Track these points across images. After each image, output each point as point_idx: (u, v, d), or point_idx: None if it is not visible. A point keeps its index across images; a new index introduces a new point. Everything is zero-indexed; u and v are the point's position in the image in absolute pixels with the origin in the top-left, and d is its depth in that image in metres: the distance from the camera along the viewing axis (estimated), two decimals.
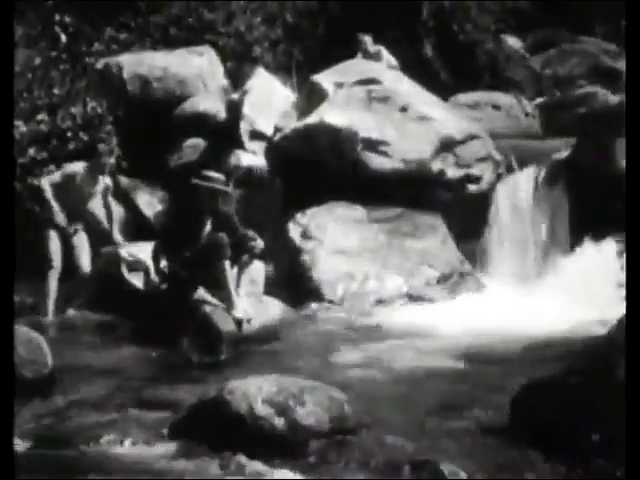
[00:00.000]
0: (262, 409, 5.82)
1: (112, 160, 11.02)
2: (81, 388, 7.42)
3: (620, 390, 5.17)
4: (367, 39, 14.41)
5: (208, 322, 8.98)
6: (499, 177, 12.34)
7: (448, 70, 16.70)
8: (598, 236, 10.90)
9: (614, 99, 13.83)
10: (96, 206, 11.27)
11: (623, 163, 10.64)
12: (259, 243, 9.58)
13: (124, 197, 12.85)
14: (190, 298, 9.19)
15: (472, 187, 12.16)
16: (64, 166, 10.97)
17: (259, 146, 13.12)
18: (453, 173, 12.07)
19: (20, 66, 12.65)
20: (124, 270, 10.17)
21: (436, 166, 12.00)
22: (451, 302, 10.72)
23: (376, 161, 11.83)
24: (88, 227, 10.73)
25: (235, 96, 13.76)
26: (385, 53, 14.43)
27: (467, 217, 12.00)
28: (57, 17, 14.63)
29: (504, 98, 15.15)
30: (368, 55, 14.30)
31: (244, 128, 13.29)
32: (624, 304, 5.76)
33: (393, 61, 14.32)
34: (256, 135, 13.30)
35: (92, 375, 7.84)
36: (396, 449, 5.73)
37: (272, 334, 9.33)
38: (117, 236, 10.84)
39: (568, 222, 11.71)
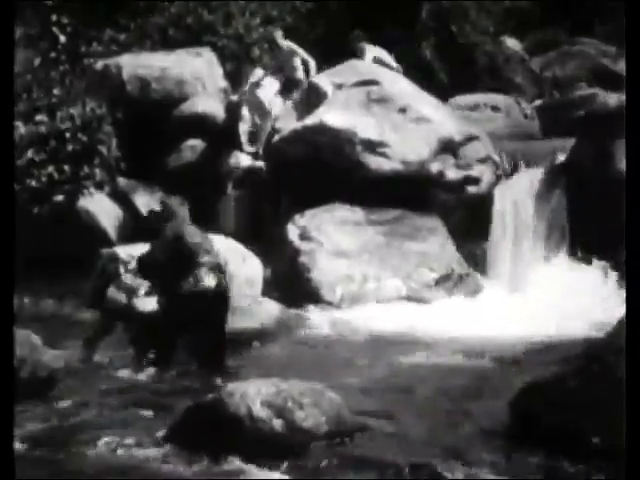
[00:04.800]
0: (261, 411, 5.81)
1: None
2: (80, 389, 7.42)
3: (620, 391, 5.17)
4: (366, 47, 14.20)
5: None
6: (498, 179, 12.33)
7: (447, 71, 16.68)
8: (597, 237, 10.90)
9: (613, 101, 13.83)
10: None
11: (622, 165, 10.64)
12: None
13: (123, 198, 12.85)
14: None
15: (471, 189, 12.15)
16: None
17: (258, 147, 13.12)
18: (452, 175, 12.07)
19: (19, 67, 12.64)
20: (122, 271, 10.14)
21: (435, 168, 12.00)
22: (450, 304, 10.71)
23: (375, 162, 11.84)
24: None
25: (234, 97, 13.76)
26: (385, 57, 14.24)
27: (466, 219, 11.99)
28: (56, 18, 14.63)
29: (503, 100, 15.12)
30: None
31: (243, 129, 13.29)
32: (623, 305, 5.76)
33: (394, 64, 14.16)
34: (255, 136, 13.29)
35: (91, 375, 7.85)
36: (395, 450, 5.74)
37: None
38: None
39: (567, 224, 11.70)
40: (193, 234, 8.10)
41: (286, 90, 13.50)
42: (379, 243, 11.42)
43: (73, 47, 14.60)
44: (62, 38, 14.45)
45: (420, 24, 17.08)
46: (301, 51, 13.60)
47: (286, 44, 13.65)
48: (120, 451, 5.93)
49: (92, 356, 8.34)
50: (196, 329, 7.99)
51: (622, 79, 13.92)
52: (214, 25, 15.50)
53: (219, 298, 8.03)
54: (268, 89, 13.39)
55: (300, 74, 13.48)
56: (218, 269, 8.06)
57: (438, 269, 11.24)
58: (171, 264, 7.99)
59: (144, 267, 8.32)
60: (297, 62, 13.53)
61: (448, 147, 12.15)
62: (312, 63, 13.57)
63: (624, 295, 7.74)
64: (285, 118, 13.04)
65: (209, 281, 7.94)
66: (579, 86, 16.10)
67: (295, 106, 13.21)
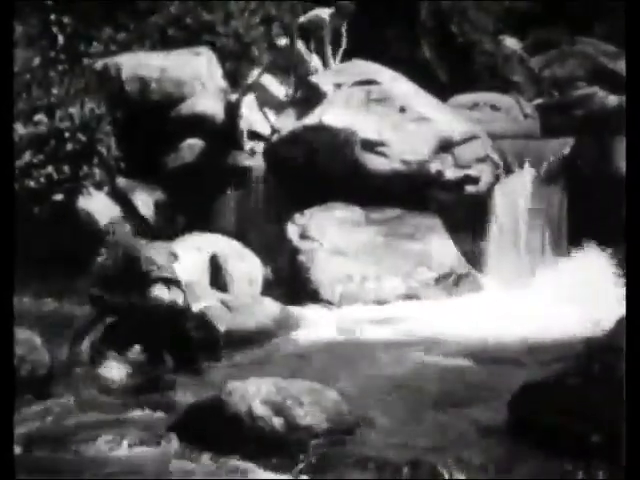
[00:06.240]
0: (260, 409, 5.82)
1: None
2: (80, 388, 7.42)
3: (619, 390, 5.16)
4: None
5: (208, 325, 8.94)
6: (498, 178, 12.34)
7: (447, 71, 16.68)
8: (597, 237, 10.90)
9: (613, 100, 13.83)
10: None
11: (621, 164, 10.65)
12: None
13: (122, 198, 12.85)
14: None
15: (471, 188, 12.16)
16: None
17: (257, 147, 13.12)
18: (452, 174, 12.07)
19: (19, 66, 12.63)
20: None
21: (435, 167, 12.00)
22: (449, 303, 10.72)
23: (374, 162, 11.84)
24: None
25: (233, 97, 13.75)
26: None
27: (465, 218, 12.00)
28: (56, 17, 14.63)
29: (503, 99, 15.11)
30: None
31: (242, 129, 13.29)
32: (623, 304, 5.76)
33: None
34: (254, 136, 13.29)
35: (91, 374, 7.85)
36: (395, 449, 5.73)
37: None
38: None
39: (566, 223, 11.71)
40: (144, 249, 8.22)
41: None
42: (378, 242, 11.42)
43: (72, 47, 14.60)
44: (61, 38, 14.45)
45: (419, 23, 17.08)
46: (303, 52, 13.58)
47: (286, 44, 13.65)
48: (119, 450, 5.93)
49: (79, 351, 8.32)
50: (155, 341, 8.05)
51: (622, 78, 13.92)
52: (213, 25, 15.49)
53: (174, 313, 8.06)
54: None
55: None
56: (174, 283, 8.15)
57: (437, 268, 11.25)
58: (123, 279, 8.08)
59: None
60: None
61: (447, 146, 12.15)
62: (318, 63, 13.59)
63: (624, 294, 7.73)
64: (284, 118, 13.05)
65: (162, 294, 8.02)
66: (579, 85, 16.07)
67: (294, 106, 13.22)
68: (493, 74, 16.77)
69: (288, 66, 13.57)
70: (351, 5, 13.68)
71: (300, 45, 13.53)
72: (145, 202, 12.97)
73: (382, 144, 11.92)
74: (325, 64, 13.47)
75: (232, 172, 12.92)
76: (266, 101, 13.36)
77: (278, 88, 13.67)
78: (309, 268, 10.97)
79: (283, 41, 13.77)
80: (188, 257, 10.51)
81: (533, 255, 11.78)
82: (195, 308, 8.86)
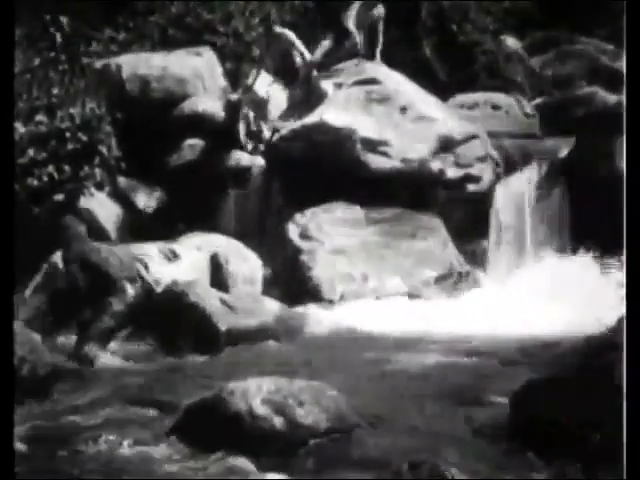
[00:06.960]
0: (261, 408, 5.81)
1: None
2: (80, 387, 7.43)
3: (619, 390, 5.16)
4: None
5: (206, 319, 8.98)
6: (498, 177, 12.36)
7: (447, 70, 16.70)
8: (596, 236, 10.91)
9: (613, 99, 13.84)
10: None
11: (622, 163, 10.64)
12: None
13: (123, 198, 12.84)
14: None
15: (471, 187, 12.17)
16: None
17: (257, 146, 13.12)
18: (452, 173, 12.09)
19: (19, 67, 12.63)
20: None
21: (435, 166, 12.02)
22: (449, 302, 10.73)
23: (375, 161, 11.85)
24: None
25: (234, 96, 13.76)
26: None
27: (466, 217, 12.01)
28: (55, 18, 14.62)
29: (503, 98, 15.12)
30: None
31: (243, 128, 13.29)
32: (623, 304, 5.75)
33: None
34: (254, 135, 13.30)
35: (90, 374, 7.86)
36: (395, 448, 5.74)
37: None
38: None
39: (567, 222, 11.72)
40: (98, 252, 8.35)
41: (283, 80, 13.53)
42: (379, 242, 11.44)
43: (72, 47, 14.59)
44: (61, 38, 14.44)
45: (420, 23, 17.08)
46: (298, 42, 13.58)
47: (282, 32, 13.67)
48: (120, 449, 5.93)
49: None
50: None
51: (622, 77, 13.92)
52: (214, 24, 15.49)
53: None
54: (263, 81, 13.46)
55: (297, 62, 13.43)
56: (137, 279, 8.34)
57: (438, 267, 11.27)
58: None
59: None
60: (294, 51, 13.49)
61: (448, 146, 12.17)
62: (308, 56, 13.56)
63: (624, 293, 7.74)
64: (285, 117, 13.06)
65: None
66: (579, 85, 16.09)
67: (295, 104, 13.22)
68: (493, 73, 16.78)
69: (287, 63, 13.59)
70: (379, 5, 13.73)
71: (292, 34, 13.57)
72: (146, 202, 12.97)
73: (383, 143, 11.94)
74: (373, 56, 13.49)
75: (232, 171, 12.93)
76: (263, 100, 13.38)
77: (277, 87, 13.69)
78: (310, 267, 10.98)
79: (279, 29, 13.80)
80: (188, 257, 10.54)
81: (534, 254, 11.79)
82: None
